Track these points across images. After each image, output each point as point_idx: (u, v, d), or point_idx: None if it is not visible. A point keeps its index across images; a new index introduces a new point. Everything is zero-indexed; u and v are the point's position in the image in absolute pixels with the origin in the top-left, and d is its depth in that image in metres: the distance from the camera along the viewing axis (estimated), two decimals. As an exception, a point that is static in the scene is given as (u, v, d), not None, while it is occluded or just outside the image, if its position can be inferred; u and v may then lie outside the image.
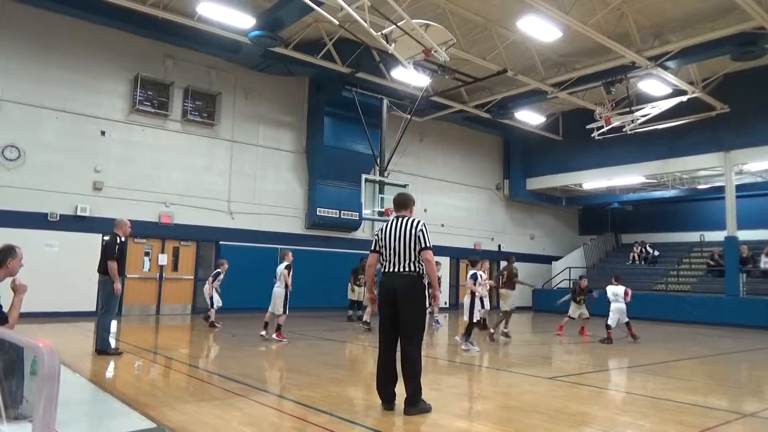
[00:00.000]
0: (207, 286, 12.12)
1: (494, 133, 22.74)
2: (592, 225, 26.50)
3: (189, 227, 15.21)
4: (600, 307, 11.85)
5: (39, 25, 13.27)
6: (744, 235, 17.62)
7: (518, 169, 23.58)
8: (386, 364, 4.89)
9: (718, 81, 16.77)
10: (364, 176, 15.58)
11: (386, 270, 5.02)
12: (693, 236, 22.43)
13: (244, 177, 16.35)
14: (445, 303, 20.36)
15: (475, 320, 9.10)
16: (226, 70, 16.12)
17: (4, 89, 12.80)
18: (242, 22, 12.48)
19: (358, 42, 14.20)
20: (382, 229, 5.12)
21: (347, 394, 5.71)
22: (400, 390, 4.78)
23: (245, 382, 6.01)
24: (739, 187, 17.71)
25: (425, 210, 19.68)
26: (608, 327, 11.09)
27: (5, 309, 4.10)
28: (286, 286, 9.85)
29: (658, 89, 15.72)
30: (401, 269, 4.91)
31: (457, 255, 21.44)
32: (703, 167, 18.98)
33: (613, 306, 11.22)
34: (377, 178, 16.45)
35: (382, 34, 10.21)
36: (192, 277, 15.40)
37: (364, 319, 12.52)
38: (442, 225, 20.76)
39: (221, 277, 12.12)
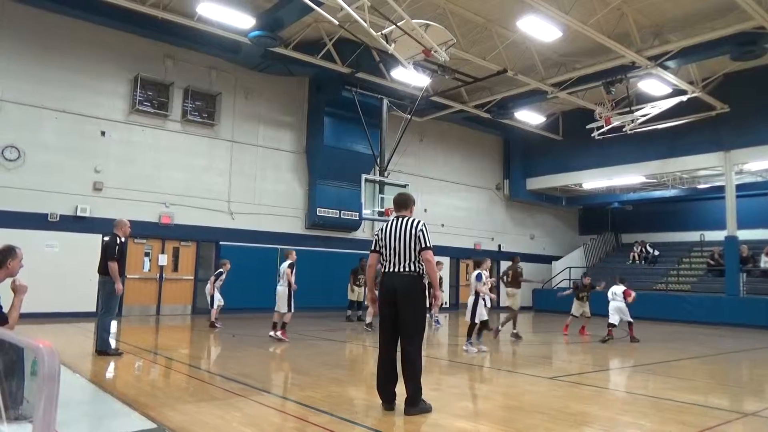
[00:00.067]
0: (209, 286, 12.14)
1: (494, 133, 22.74)
2: (592, 225, 26.50)
3: (189, 227, 15.21)
4: (602, 308, 11.87)
5: (39, 25, 13.27)
6: (744, 234, 17.63)
7: (518, 169, 23.58)
8: (386, 364, 4.89)
9: (718, 81, 16.77)
10: (364, 176, 15.58)
11: (386, 270, 5.02)
12: (693, 236, 22.42)
13: (244, 177, 16.35)
14: (445, 303, 20.34)
15: (476, 321, 9.07)
16: (226, 70, 16.12)
17: (4, 89, 12.80)
18: (242, 22, 12.48)
19: (358, 42, 14.20)
20: (382, 229, 5.12)
21: (347, 394, 5.71)
22: (401, 390, 4.78)
23: (245, 382, 6.01)
24: (739, 187, 17.70)
25: (425, 210, 19.68)
26: (610, 326, 11.19)
27: (5, 309, 4.10)
28: (289, 284, 9.81)
29: (658, 89, 15.72)
30: (401, 269, 4.91)
31: (457, 255, 21.45)
32: (703, 167, 18.98)
33: (611, 305, 11.36)
34: (377, 178, 16.46)
35: (382, 34, 10.21)
36: (192, 278, 15.40)
37: (366, 321, 12.48)
38: (442, 225, 20.76)
39: (223, 276, 12.13)
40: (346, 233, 18.35)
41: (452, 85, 16.96)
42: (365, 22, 10.12)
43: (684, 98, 15.97)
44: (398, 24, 9.85)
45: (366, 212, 15.46)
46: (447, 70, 13.91)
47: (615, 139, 17.49)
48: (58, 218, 13.21)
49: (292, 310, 9.85)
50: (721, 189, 18.09)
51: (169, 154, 15.05)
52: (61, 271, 12.72)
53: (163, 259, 14.88)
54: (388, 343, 4.94)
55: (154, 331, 11.80)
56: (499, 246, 23.14)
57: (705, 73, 16.44)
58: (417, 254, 4.90)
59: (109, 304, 7.67)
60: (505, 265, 20.84)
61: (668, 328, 14.81)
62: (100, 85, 14.15)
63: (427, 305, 5.40)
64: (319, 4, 10.46)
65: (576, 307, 12.26)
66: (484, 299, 9.19)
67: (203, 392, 5.64)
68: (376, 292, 5.27)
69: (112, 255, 7.57)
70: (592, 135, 16.89)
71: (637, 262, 22.70)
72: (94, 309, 10.90)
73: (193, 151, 15.51)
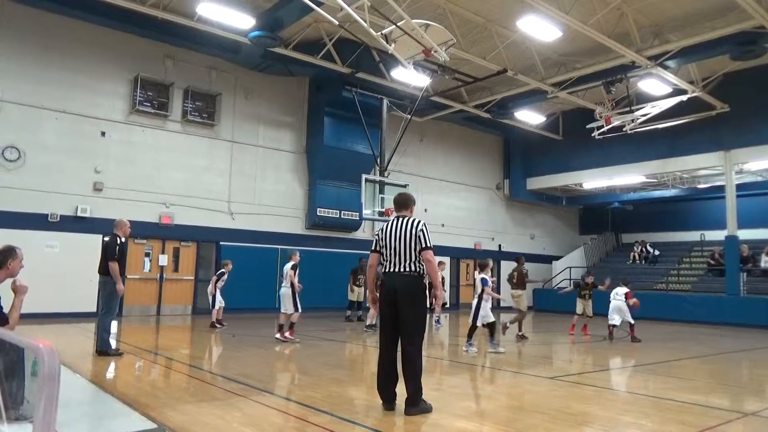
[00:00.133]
0: (211, 286, 12.15)
1: (494, 133, 22.73)
2: (593, 224, 26.49)
3: (189, 228, 15.21)
4: (604, 307, 11.95)
5: (39, 25, 13.28)
6: (744, 234, 17.62)
7: (518, 169, 23.58)
8: (387, 364, 4.89)
9: (718, 80, 16.77)
10: (364, 176, 15.57)
11: (387, 270, 5.02)
12: (693, 236, 22.42)
13: (245, 177, 16.35)
14: (445, 303, 20.33)
15: (478, 324, 9.04)
16: (226, 71, 16.12)
17: (4, 90, 12.80)
18: (242, 22, 12.48)
19: (358, 42, 14.20)
20: (382, 229, 5.12)
21: (348, 394, 5.71)
22: (401, 390, 4.78)
23: (246, 382, 6.01)
24: (739, 187, 17.69)
25: (425, 210, 19.68)
26: (611, 326, 11.32)
27: (6, 310, 4.10)
28: (293, 285, 9.78)
29: (658, 89, 15.72)
30: (402, 269, 4.91)
31: (457, 255, 21.45)
32: (704, 166, 18.97)
33: (612, 303, 11.49)
34: (377, 178, 16.45)
35: (382, 34, 10.21)
36: (192, 278, 15.40)
37: (367, 323, 12.44)
38: (443, 225, 20.76)
39: (225, 277, 12.14)
40: (346, 233, 18.35)
41: (452, 85, 16.96)
42: (365, 22, 10.12)
43: (684, 98, 15.97)
44: (398, 24, 9.85)
45: (366, 212, 15.46)
46: (447, 70, 13.91)
47: (615, 139, 17.49)
48: (58, 218, 13.22)
49: (299, 310, 9.78)
50: (721, 189, 18.09)
51: (169, 155, 15.05)
52: (61, 271, 12.72)
53: (164, 260, 14.88)
54: (388, 343, 4.94)
55: (155, 332, 11.80)
56: (500, 246, 23.14)
57: (705, 73, 16.44)
58: (417, 254, 4.90)
59: (110, 304, 7.67)
60: (505, 265, 20.93)
61: (669, 328, 14.80)
62: (100, 86, 14.15)
63: (428, 305, 5.39)
64: (319, 4, 10.46)
65: (578, 306, 12.31)
66: (488, 301, 9.13)
67: (204, 392, 5.64)
68: (377, 293, 5.27)
69: (113, 255, 7.57)
70: (593, 135, 16.89)
71: (638, 261, 22.70)
72: (94, 309, 10.91)
73: (193, 151, 15.51)
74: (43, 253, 12.64)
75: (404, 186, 15.89)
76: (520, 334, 11.16)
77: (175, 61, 15.30)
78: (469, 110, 18.73)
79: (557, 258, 24.10)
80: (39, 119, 13.21)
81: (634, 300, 11.36)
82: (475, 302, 9.18)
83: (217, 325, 11.85)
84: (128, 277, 13.79)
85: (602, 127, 16.29)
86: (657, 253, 22.51)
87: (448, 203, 21.46)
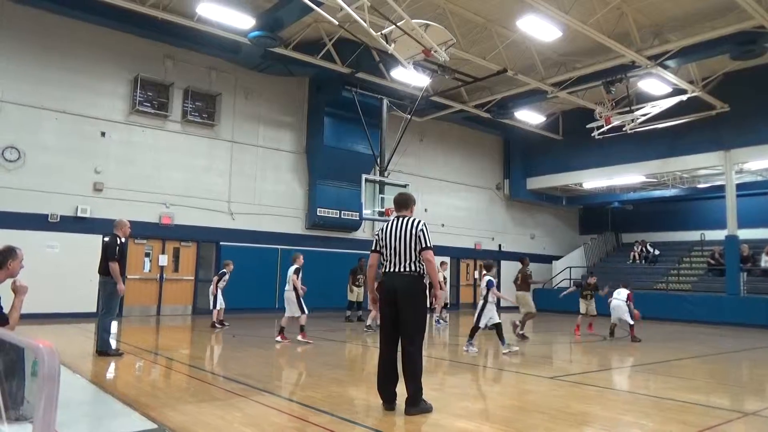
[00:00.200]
0: (212, 287, 12.16)
1: (494, 133, 22.73)
2: (593, 224, 26.49)
3: (189, 228, 15.21)
4: (605, 308, 12.02)
5: (39, 26, 13.28)
6: (744, 234, 17.62)
7: (518, 169, 23.58)
8: (387, 364, 4.88)
9: (718, 80, 16.77)
10: (364, 176, 15.58)
11: (387, 270, 5.01)
12: (693, 235, 22.42)
13: (245, 177, 16.35)
14: (447, 304, 20.33)
15: (480, 325, 9.01)
16: (226, 71, 16.12)
17: (4, 90, 12.80)
18: (242, 22, 12.47)
19: (358, 42, 14.20)
20: (382, 229, 5.12)
21: (348, 394, 5.70)
22: (401, 390, 4.78)
23: (246, 382, 6.01)
24: (739, 186, 17.69)
25: (425, 210, 19.68)
26: (613, 324, 11.57)
27: (6, 310, 4.10)
28: (296, 288, 9.73)
29: (658, 88, 15.71)
30: (402, 269, 4.91)
31: (457, 255, 21.45)
32: (704, 166, 18.97)
33: (613, 303, 11.60)
34: (377, 178, 16.45)
35: (381, 34, 10.21)
36: (192, 278, 15.40)
37: (368, 323, 12.42)
38: (443, 225, 20.75)
39: (226, 277, 12.14)
40: (346, 233, 18.35)
41: (452, 85, 16.96)
42: (365, 22, 10.12)
43: (684, 97, 15.97)
44: (398, 24, 9.85)
45: (366, 212, 15.46)
46: (447, 70, 13.90)
47: (615, 139, 17.48)
48: (58, 219, 13.22)
49: (306, 312, 9.74)
50: (721, 188, 18.08)
51: (169, 155, 15.05)
52: (61, 271, 12.72)
53: (164, 260, 14.88)
54: (388, 343, 4.94)
55: (155, 332, 11.80)
56: (500, 246, 23.13)
57: (705, 73, 16.44)
58: (417, 254, 4.89)
59: (110, 304, 7.67)
60: (505, 265, 20.94)
61: (669, 328, 14.80)
62: (100, 86, 14.15)
63: (428, 305, 5.38)
64: (319, 4, 10.46)
65: (581, 306, 12.35)
66: (494, 302, 9.09)
67: (204, 392, 5.64)
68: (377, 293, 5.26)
69: (113, 255, 7.57)
70: (592, 134, 16.89)
71: (638, 261, 22.69)
72: (94, 309, 10.89)
73: (193, 151, 15.51)
74: (43, 253, 12.64)
75: (404, 186, 15.89)
76: (521, 333, 11.16)
77: (175, 61, 15.30)
78: (469, 110, 18.73)
79: (557, 258, 24.10)
80: (39, 119, 13.21)
81: (636, 312, 11.45)
82: (480, 303, 9.16)
83: (218, 326, 11.85)
84: (128, 277, 13.78)
85: (602, 126, 16.29)
86: (657, 252, 22.51)
87: (448, 203, 21.46)
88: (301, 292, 9.70)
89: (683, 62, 14.68)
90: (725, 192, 17.05)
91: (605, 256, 24.91)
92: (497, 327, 8.94)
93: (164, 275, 14.92)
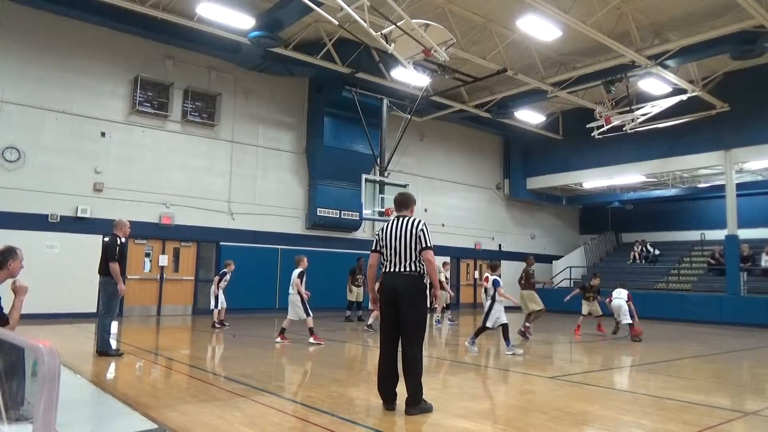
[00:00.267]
0: (213, 287, 12.15)
1: (494, 133, 22.73)
2: (593, 224, 26.49)
3: (189, 228, 15.21)
4: (606, 308, 12.11)
5: (39, 26, 13.27)
6: (744, 233, 17.62)
7: (518, 169, 23.58)
8: (387, 363, 4.88)
9: (718, 79, 16.78)
10: (364, 176, 15.58)
11: (387, 270, 5.01)
12: (693, 235, 22.42)
13: (245, 177, 16.35)
14: (449, 304, 20.33)
15: (488, 325, 8.98)
16: (226, 71, 16.12)
17: (4, 90, 12.80)
18: (242, 22, 12.48)
19: (358, 42, 14.19)
20: (383, 229, 5.11)
21: (348, 394, 5.70)
22: (402, 390, 4.78)
23: (246, 382, 6.01)
24: (739, 186, 17.69)
25: (426, 210, 19.68)
26: (617, 323, 11.79)
27: (6, 310, 4.10)
28: (299, 292, 9.65)
29: (658, 88, 15.71)
30: (402, 269, 4.91)
31: (457, 255, 21.44)
32: (704, 166, 18.97)
33: (613, 303, 11.78)
34: (377, 178, 16.45)
35: (381, 34, 10.20)
36: (193, 278, 15.40)
37: (369, 322, 12.39)
38: (443, 225, 20.75)
39: (227, 277, 12.14)
40: (346, 233, 18.35)
41: (452, 85, 16.95)
42: (365, 22, 10.12)
43: (684, 97, 15.97)
44: (398, 24, 9.85)
45: (366, 212, 15.46)
46: (447, 70, 13.90)
47: (615, 139, 17.48)
48: (58, 219, 13.21)
49: (311, 314, 9.69)
50: (721, 188, 18.08)
51: (169, 155, 15.05)
52: (61, 271, 12.72)
53: (164, 260, 14.88)
54: (388, 343, 4.94)
55: (155, 332, 11.80)
56: (500, 246, 23.14)
57: (705, 72, 16.44)
58: (418, 254, 4.89)
59: (110, 305, 7.67)
60: (505, 264, 20.86)
61: (669, 328, 14.80)
62: (100, 86, 14.15)
63: (428, 305, 5.38)
64: (318, 5, 10.46)
65: (585, 308, 12.35)
66: (501, 303, 9.06)
67: (204, 393, 5.63)
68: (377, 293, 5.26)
69: (113, 256, 7.57)
70: (593, 134, 16.89)
71: (638, 261, 22.69)
72: (94, 309, 10.91)
73: (193, 151, 15.51)
74: (43, 253, 12.64)
75: (404, 186, 15.90)
76: (524, 329, 11.18)
77: (175, 61, 15.30)
78: (469, 110, 18.72)
79: (557, 258, 24.10)
80: (39, 120, 13.21)
81: (638, 328, 11.51)
82: (487, 304, 9.13)
83: (217, 325, 11.85)
84: (128, 277, 13.78)
85: (602, 126, 16.29)
86: (657, 252, 22.50)
87: (448, 203, 21.46)
88: (305, 296, 9.61)
89: (683, 62, 14.68)
90: (725, 192, 17.05)
91: (605, 256, 24.91)
92: (504, 327, 8.92)
93: (164, 275, 14.92)
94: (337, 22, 10.49)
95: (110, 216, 11.92)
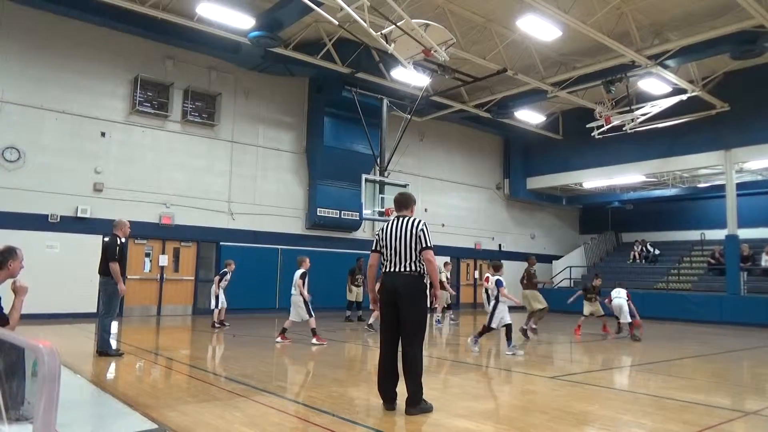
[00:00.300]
0: (214, 286, 12.15)
1: (494, 133, 22.73)
2: (593, 224, 26.50)
3: (189, 228, 15.21)
4: (607, 308, 12.12)
5: (39, 26, 13.27)
6: (744, 233, 17.61)
7: (518, 169, 23.58)
8: (387, 363, 4.88)
9: (718, 79, 16.78)
10: (364, 176, 15.59)
11: (387, 270, 5.01)
12: (693, 235, 22.41)
13: (245, 177, 16.35)
14: (450, 304, 20.33)
15: (494, 326, 8.97)
16: (226, 71, 16.12)
17: (4, 90, 12.80)
18: (242, 22, 12.48)
19: (358, 42, 14.19)
20: (383, 229, 5.11)
21: (348, 394, 5.70)
22: (402, 390, 4.77)
23: (246, 382, 6.01)
24: (739, 186, 17.69)
25: (426, 210, 19.68)
26: (620, 322, 11.85)
27: (6, 311, 4.10)
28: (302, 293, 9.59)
29: (658, 88, 15.71)
30: (402, 269, 4.91)
31: (457, 255, 21.44)
32: (704, 166, 18.96)
33: (614, 302, 11.79)
34: (377, 178, 16.46)
35: (381, 34, 10.20)
36: (193, 278, 15.40)
37: (370, 321, 12.39)
38: (443, 225, 20.75)
39: (228, 276, 12.14)
40: (346, 233, 18.34)
41: (452, 85, 16.95)
42: (365, 22, 10.11)
43: (684, 97, 15.97)
44: (398, 24, 9.85)
45: (366, 212, 15.46)
46: (447, 70, 13.91)
47: (615, 139, 17.48)
48: (58, 219, 13.21)
49: (313, 315, 9.61)
50: (721, 188, 18.08)
51: (169, 155, 15.05)
52: (61, 271, 12.72)
53: (164, 260, 14.88)
54: (389, 343, 4.94)
55: (155, 332, 11.80)
56: (500, 246, 23.13)
57: (705, 72, 16.44)
58: (418, 254, 4.89)
59: (110, 305, 7.67)
60: (505, 264, 20.86)
61: (669, 327, 14.80)
62: (100, 86, 14.15)
63: (428, 305, 5.38)
64: (318, 5, 10.46)
65: (586, 308, 12.35)
66: (505, 303, 9.05)
67: (204, 393, 5.63)
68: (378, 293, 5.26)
69: (113, 256, 7.56)
70: (593, 134, 16.89)
71: (638, 261, 22.69)
72: (94, 310, 10.90)
73: (194, 151, 15.51)
74: (43, 253, 12.64)
75: (404, 186, 15.90)
76: (533, 327, 11.21)
77: (175, 61, 15.30)
78: (469, 110, 18.72)
79: (557, 257, 24.10)
80: (39, 120, 13.21)
81: (638, 321, 11.59)
82: (492, 304, 9.13)
83: (217, 325, 11.85)
84: (128, 277, 13.77)
85: (602, 126, 16.29)
86: (657, 252, 22.50)
87: (448, 203, 21.46)
88: (308, 298, 9.56)
89: (683, 62, 14.68)
90: (725, 191, 17.05)
91: (605, 256, 24.91)
92: (507, 327, 8.91)
93: (164, 275, 14.92)
94: (337, 22, 10.49)
95: (110, 216, 11.93)
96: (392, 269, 4.96)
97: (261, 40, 13.19)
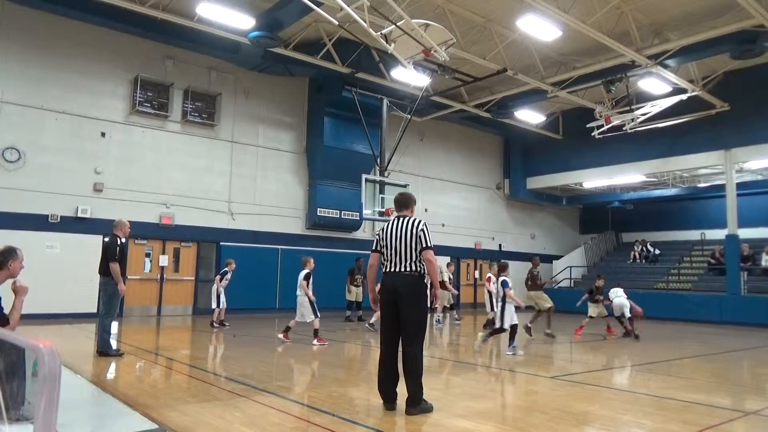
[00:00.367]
0: (215, 286, 12.15)
1: (494, 133, 22.73)
2: (593, 224, 26.49)
3: (189, 228, 15.21)
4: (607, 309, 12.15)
5: (39, 26, 13.27)
6: (745, 233, 17.61)
7: (518, 169, 23.58)
8: (388, 363, 4.88)
9: (718, 79, 16.77)
10: (364, 176, 15.58)
11: (388, 270, 5.01)
12: (694, 234, 22.41)
13: (245, 178, 16.35)
14: (452, 304, 20.33)
15: (506, 327, 8.96)
16: (226, 71, 16.12)
17: (4, 91, 12.80)
18: (242, 22, 12.47)
19: (357, 42, 14.19)
20: (383, 229, 5.11)
21: (349, 394, 5.70)
22: (402, 390, 4.77)
23: (246, 382, 6.01)
24: (739, 185, 17.67)
25: (426, 210, 19.68)
26: (621, 321, 11.80)
27: (6, 311, 4.09)
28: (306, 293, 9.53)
29: (658, 87, 15.70)
30: (403, 269, 4.91)
31: (458, 255, 21.44)
32: (704, 165, 18.95)
33: (615, 302, 11.79)
34: (377, 178, 16.45)
35: (381, 34, 10.20)
36: (193, 278, 15.40)
37: (371, 320, 12.36)
38: (443, 225, 20.75)
39: (228, 276, 12.14)
40: (346, 233, 18.34)
41: (452, 85, 16.95)
42: (365, 22, 10.11)
43: (684, 97, 15.96)
44: (398, 24, 9.85)
45: (366, 212, 15.46)
46: (447, 70, 13.90)
47: (615, 138, 17.47)
48: (58, 219, 13.21)
49: (318, 316, 9.60)
50: (721, 187, 18.07)
51: (169, 155, 15.05)
52: (61, 271, 12.72)
53: (164, 260, 14.88)
54: (389, 343, 4.94)
55: (155, 332, 11.80)
56: (500, 245, 23.13)
57: (705, 72, 16.44)
58: (418, 254, 4.89)
59: (110, 305, 7.67)
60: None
61: (669, 327, 14.80)
62: (100, 86, 14.15)
63: (429, 305, 5.38)
64: (318, 5, 10.45)
65: (592, 309, 12.33)
66: (511, 303, 9.05)
67: (204, 393, 5.63)
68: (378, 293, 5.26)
69: (113, 256, 7.56)
70: (593, 134, 16.89)
71: (638, 261, 22.69)
72: (95, 310, 10.91)
73: (194, 151, 15.50)
74: (43, 253, 12.64)
75: (404, 186, 15.89)
76: (548, 332, 11.30)
77: (175, 61, 15.29)
78: (469, 110, 18.72)
79: (557, 257, 24.10)
80: (39, 120, 13.20)
81: (640, 309, 11.63)
82: (499, 306, 9.12)
83: (216, 325, 11.85)
84: (129, 277, 13.76)
85: (602, 126, 16.29)
86: (657, 252, 22.50)
87: (448, 203, 21.46)
88: (313, 298, 9.51)
89: (683, 61, 14.68)
90: (725, 191, 17.04)
91: (605, 256, 24.91)
92: (512, 328, 8.91)
93: (164, 275, 14.92)
94: (337, 22, 10.49)
95: (110, 216, 11.92)
96: (392, 269, 4.96)
97: (261, 40, 13.19)
